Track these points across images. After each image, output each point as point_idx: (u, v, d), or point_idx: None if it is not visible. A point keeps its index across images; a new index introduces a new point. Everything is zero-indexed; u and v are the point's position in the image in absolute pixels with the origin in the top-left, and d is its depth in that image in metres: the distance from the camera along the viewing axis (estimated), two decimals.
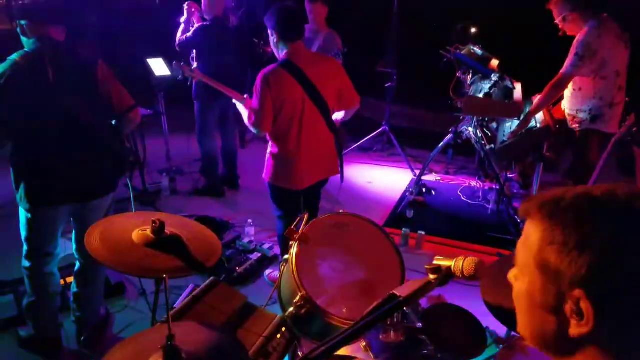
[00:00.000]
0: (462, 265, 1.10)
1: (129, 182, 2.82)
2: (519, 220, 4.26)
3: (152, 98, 5.04)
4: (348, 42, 4.84)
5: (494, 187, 4.82)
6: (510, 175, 4.93)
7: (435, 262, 1.14)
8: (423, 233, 4.09)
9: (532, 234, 0.74)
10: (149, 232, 1.63)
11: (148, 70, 4.90)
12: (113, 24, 7.04)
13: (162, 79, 4.91)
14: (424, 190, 5.04)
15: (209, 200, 4.78)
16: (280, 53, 2.78)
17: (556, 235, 0.69)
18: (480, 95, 4.15)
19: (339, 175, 3.15)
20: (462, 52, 4.34)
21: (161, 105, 5.01)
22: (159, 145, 5.21)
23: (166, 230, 1.65)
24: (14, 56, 2.27)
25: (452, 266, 1.11)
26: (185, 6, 4.78)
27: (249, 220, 3.98)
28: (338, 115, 3.07)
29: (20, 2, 2.30)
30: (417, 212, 4.55)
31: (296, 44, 2.74)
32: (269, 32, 2.78)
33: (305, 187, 2.95)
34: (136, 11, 7.39)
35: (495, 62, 4.51)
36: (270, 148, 2.96)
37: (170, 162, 5.15)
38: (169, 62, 4.93)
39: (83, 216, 2.53)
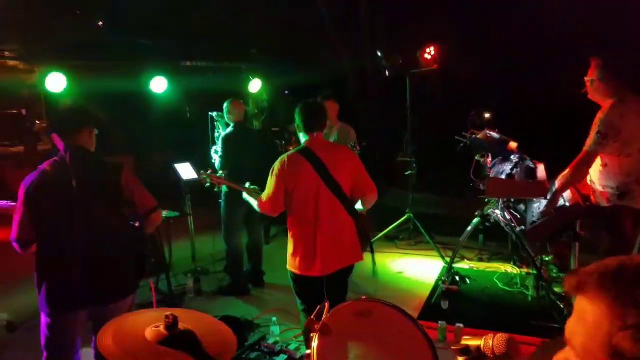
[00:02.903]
0: (493, 344, 0.99)
1: (152, 286, 2.79)
2: (562, 306, 3.98)
3: (180, 200, 5.20)
4: (367, 136, 4.99)
5: (532, 272, 4.59)
6: (547, 258, 4.70)
7: (463, 342, 1.04)
8: (461, 326, 3.82)
9: (592, 315, 0.64)
10: (162, 328, 1.56)
11: (176, 175, 5.11)
12: (148, 134, 7.57)
13: (190, 182, 5.11)
14: (457, 278, 4.81)
15: (234, 299, 4.67)
16: (302, 142, 3.01)
17: (629, 318, 0.60)
18: (503, 177, 4.11)
19: (368, 264, 3.07)
20: (478, 137, 4.39)
21: (188, 206, 5.15)
22: (185, 246, 5.26)
23: (179, 326, 1.57)
24: (45, 164, 2.40)
25: (482, 345, 1.01)
26: (215, 115, 5.11)
27: (274, 319, 3.83)
28: (358, 206, 3.08)
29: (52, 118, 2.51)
30: (452, 302, 4.31)
31: (316, 134, 2.96)
32: (296, 126, 3.03)
33: (327, 274, 2.87)
34: (169, 122, 7.97)
35: (513, 144, 4.53)
36: (289, 235, 2.97)
37: (195, 262, 5.14)
38: (195, 167, 5.17)
39: (103, 319, 2.46)
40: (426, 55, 5.44)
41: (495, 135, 4.51)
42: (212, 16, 7.29)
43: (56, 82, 4.97)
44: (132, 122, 7.47)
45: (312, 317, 1.82)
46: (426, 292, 4.69)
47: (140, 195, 2.55)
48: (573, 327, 0.68)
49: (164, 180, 5.66)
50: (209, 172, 3.79)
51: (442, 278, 4.75)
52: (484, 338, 1.02)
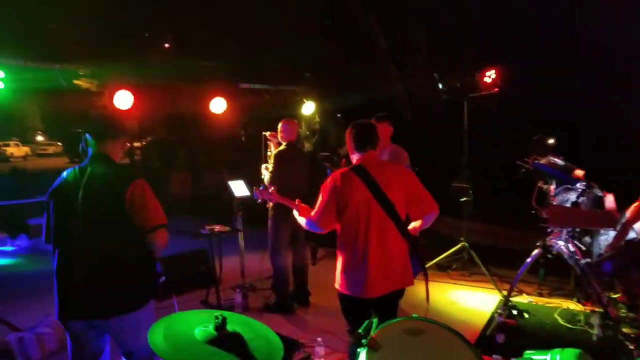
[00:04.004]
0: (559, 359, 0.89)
1: (174, 301, 2.72)
2: (632, 348, 3.64)
3: (232, 216, 5.31)
4: (421, 160, 4.89)
5: (597, 309, 4.25)
6: (615, 296, 4.35)
7: (526, 355, 0.95)
8: None
9: None
10: (211, 328, 1.56)
11: (229, 191, 5.23)
12: (205, 152, 7.87)
13: (242, 199, 5.20)
14: (514, 312, 4.54)
15: (279, 318, 4.64)
16: (354, 161, 2.95)
17: None
18: (567, 206, 3.89)
19: (420, 289, 2.94)
20: (541, 162, 4.20)
21: (239, 222, 5.23)
22: (235, 261, 5.33)
23: (228, 328, 1.57)
24: (65, 172, 2.45)
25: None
26: (267, 134, 5.20)
27: (319, 339, 3.75)
28: (415, 224, 2.98)
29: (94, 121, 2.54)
30: (508, 336, 4.06)
31: (369, 152, 2.90)
32: (347, 147, 2.99)
33: (376, 296, 2.77)
34: (226, 142, 8.27)
35: (579, 172, 4.30)
36: (338, 254, 2.90)
37: (244, 278, 5.20)
38: (248, 184, 5.27)
39: (112, 333, 2.47)
40: (486, 79, 5.30)
41: (559, 161, 4.29)
42: (269, 40, 7.55)
43: (123, 100, 5.27)
44: (192, 140, 7.79)
45: (360, 331, 1.75)
46: (480, 324, 4.45)
47: (143, 212, 2.37)
48: None
49: (218, 196, 5.80)
50: (260, 188, 3.84)
51: (498, 310, 4.50)
52: (549, 352, 0.92)
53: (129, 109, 5.31)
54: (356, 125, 2.95)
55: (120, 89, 5.22)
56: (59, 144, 35.41)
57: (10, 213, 8.37)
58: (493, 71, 5.30)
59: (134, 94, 5.29)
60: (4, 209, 8.41)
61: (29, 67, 4.85)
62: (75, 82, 5.36)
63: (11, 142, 34.23)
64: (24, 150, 34.85)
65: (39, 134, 40.24)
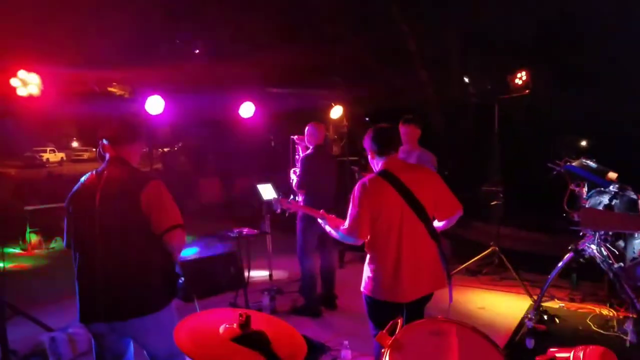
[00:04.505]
0: (583, 356, 0.89)
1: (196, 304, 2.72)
2: None
3: (260, 219, 5.39)
4: (450, 164, 4.84)
5: (631, 315, 4.12)
6: None
7: (549, 353, 0.95)
8: None
9: None
10: (235, 326, 1.60)
11: (257, 195, 5.31)
12: (235, 156, 8.00)
13: (269, 202, 5.27)
14: (545, 317, 4.45)
15: (306, 320, 4.66)
16: (377, 167, 2.89)
17: None
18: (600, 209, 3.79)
19: (447, 293, 2.90)
20: (574, 164, 4.10)
21: (267, 225, 5.29)
22: (263, 264, 5.39)
23: (252, 326, 1.60)
24: (84, 177, 2.50)
25: (571, 357, 0.91)
26: (295, 138, 5.25)
27: (346, 342, 3.76)
28: (438, 224, 2.95)
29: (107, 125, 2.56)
30: (538, 341, 3.97)
31: (391, 156, 2.84)
32: (367, 153, 2.94)
33: (408, 300, 2.73)
34: (255, 146, 8.39)
35: (613, 175, 4.17)
36: (369, 259, 2.85)
37: (272, 281, 5.24)
38: (276, 188, 5.34)
39: (132, 335, 2.48)
40: (517, 81, 5.20)
41: (591, 164, 4.18)
42: (297, 44, 7.63)
43: (155, 105, 5.40)
44: (222, 146, 7.95)
45: (384, 331, 1.76)
46: (510, 329, 4.37)
47: (157, 214, 2.35)
48: None
49: (247, 201, 5.89)
50: (279, 197, 3.81)
51: (529, 315, 4.41)
52: (573, 350, 0.92)
53: (160, 115, 5.46)
54: (377, 130, 2.88)
55: (152, 94, 5.37)
56: (93, 149, 36.35)
57: (46, 216, 8.69)
58: (524, 73, 5.20)
59: (165, 100, 5.42)
60: (41, 213, 8.73)
61: (64, 74, 5.02)
62: (109, 89, 5.53)
63: (47, 148, 35.40)
64: (59, 156, 35.93)
65: (74, 140, 41.49)
